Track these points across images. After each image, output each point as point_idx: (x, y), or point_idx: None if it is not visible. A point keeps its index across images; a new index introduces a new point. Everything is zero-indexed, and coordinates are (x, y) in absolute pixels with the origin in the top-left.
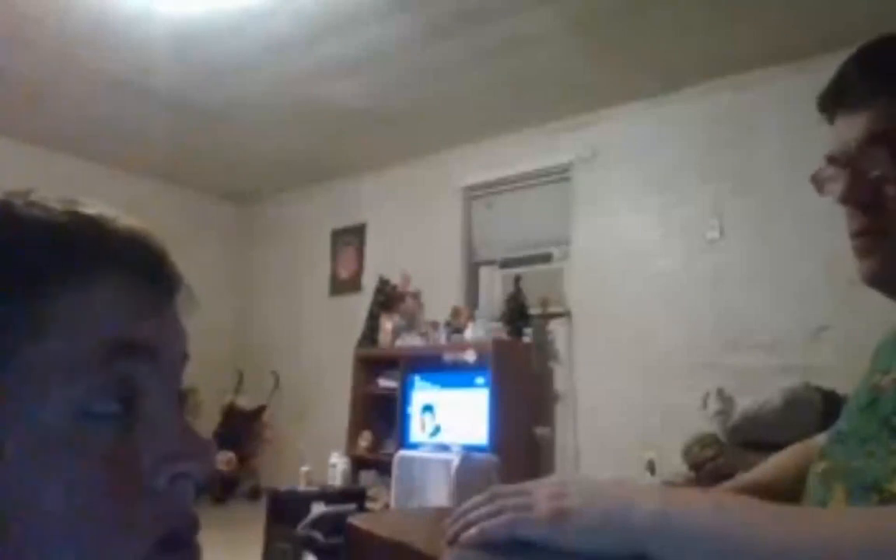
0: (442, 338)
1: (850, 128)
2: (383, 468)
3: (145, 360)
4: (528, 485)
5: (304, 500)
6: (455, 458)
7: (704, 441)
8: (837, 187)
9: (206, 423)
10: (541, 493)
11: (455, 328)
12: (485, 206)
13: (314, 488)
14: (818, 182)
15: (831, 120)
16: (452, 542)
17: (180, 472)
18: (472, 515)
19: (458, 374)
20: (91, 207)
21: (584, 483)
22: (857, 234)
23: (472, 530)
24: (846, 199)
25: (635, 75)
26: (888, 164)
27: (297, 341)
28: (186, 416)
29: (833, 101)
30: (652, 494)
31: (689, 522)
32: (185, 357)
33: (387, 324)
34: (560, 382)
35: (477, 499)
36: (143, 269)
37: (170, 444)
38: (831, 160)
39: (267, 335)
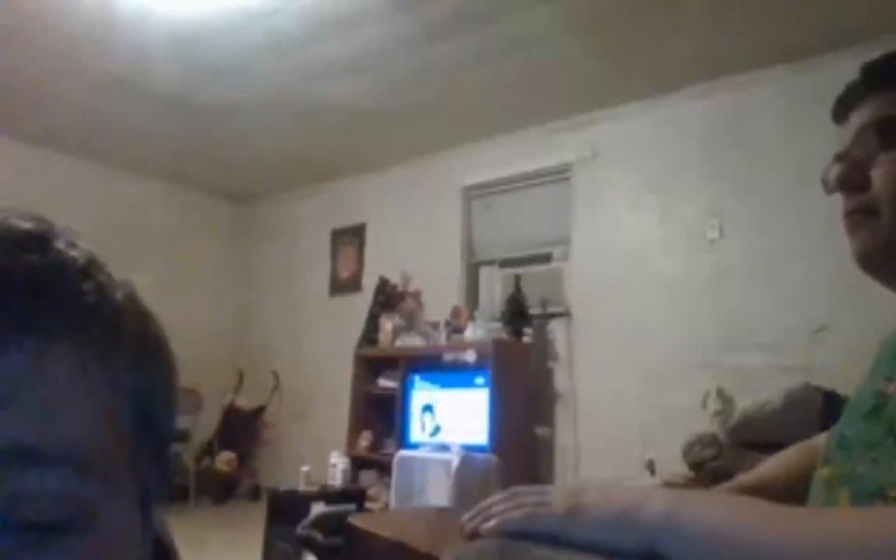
0: (442, 338)
1: (852, 125)
2: (383, 468)
3: None
4: (547, 486)
5: (304, 500)
6: (455, 458)
7: (704, 441)
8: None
9: (207, 422)
10: (559, 491)
11: (455, 328)
12: (485, 206)
13: (314, 488)
14: (825, 182)
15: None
16: (472, 536)
17: None
18: (493, 509)
19: (458, 374)
20: None
21: (600, 485)
22: (847, 214)
23: (493, 521)
24: (839, 185)
25: (635, 75)
26: (877, 148)
27: (297, 341)
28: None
29: (843, 108)
30: (663, 495)
31: (695, 522)
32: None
33: (387, 324)
34: (560, 382)
35: (497, 496)
36: None
37: None
38: (837, 158)
39: (267, 335)
